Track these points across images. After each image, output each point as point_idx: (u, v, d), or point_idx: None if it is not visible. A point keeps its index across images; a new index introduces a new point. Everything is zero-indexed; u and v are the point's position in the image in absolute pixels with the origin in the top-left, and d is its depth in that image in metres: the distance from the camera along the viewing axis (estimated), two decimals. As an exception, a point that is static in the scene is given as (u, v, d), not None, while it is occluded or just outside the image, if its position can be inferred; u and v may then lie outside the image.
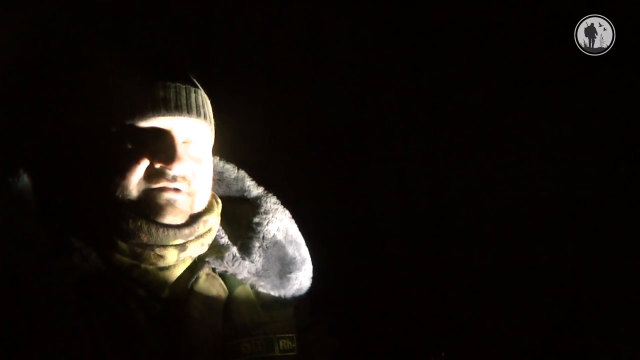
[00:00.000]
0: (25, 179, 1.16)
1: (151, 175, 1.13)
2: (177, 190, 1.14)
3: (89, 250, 1.12)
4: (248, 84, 1.83)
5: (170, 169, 1.13)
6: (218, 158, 1.33)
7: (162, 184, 1.13)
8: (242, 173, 1.34)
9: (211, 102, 1.24)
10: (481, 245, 1.81)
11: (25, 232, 1.11)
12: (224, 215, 1.27)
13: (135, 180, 1.12)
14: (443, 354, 1.20)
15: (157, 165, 1.13)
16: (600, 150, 1.77)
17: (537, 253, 1.79)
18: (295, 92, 1.86)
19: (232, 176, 1.34)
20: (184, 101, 1.15)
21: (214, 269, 1.22)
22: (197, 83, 1.21)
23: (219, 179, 1.32)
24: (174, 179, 1.14)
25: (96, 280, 1.11)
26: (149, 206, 1.13)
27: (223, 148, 1.32)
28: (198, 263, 1.20)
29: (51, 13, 1.62)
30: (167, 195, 1.14)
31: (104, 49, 1.23)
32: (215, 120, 1.25)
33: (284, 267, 1.27)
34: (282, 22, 1.85)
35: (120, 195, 1.12)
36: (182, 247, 1.16)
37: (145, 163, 1.13)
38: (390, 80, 1.87)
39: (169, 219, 1.14)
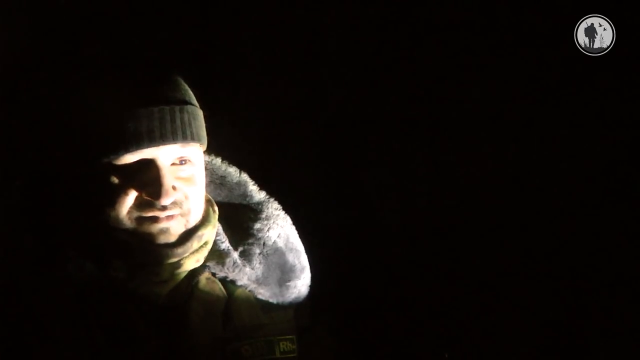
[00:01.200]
0: (20, 189, 1.17)
1: (142, 204, 1.13)
2: (170, 217, 1.14)
3: (83, 260, 1.13)
4: (248, 85, 1.83)
5: (159, 202, 1.12)
6: (220, 160, 1.32)
7: (153, 213, 1.13)
8: (245, 177, 1.33)
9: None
10: (482, 245, 1.81)
11: (19, 241, 1.12)
12: (224, 219, 1.27)
13: (125, 211, 1.12)
14: (446, 355, 1.21)
15: (146, 198, 1.13)
16: (600, 151, 1.76)
17: (538, 253, 1.79)
18: (294, 93, 1.86)
19: (234, 180, 1.32)
20: (169, 127, 1.12)
21: (213, 274, 1.22)
22: (185, 96, 1.17)
23: (220, 183, 1.32)
24: (164, 208, 1.13)
25: (93, 289, 1.12)
26: (143, 234, 1.13)
27: (224, 149, 1.31)
28: (197, 268, 1.20)
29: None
30: (160, 226, 1.14)
31: (87, 74, 1.20)
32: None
33: (284, 275, 1.27)
34: (282, 22, 1.84)
35: (112, 224, 1.12)
36: (176, 264, 1.17)
37: (133, 195, 1.12)
38: (390, 81, 1.87)
39: (162, 241, 1.15)
